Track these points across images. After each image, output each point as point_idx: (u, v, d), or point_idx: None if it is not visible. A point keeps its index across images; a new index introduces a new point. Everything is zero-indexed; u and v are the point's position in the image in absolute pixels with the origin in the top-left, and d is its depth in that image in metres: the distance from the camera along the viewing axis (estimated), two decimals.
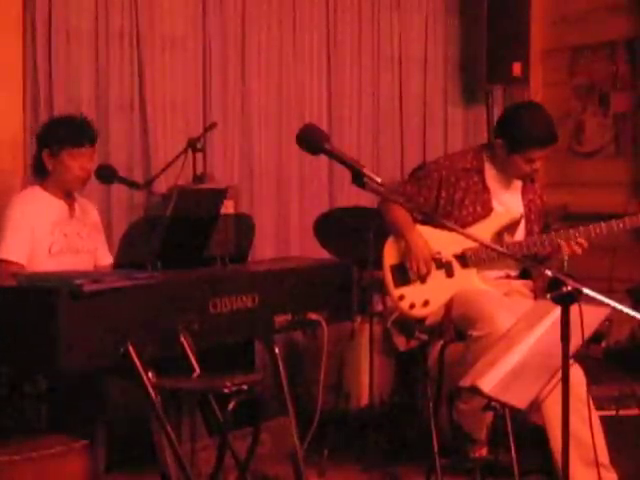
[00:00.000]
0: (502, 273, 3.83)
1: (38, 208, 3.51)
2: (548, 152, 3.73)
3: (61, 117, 3.70)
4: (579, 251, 3.66)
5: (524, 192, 3.88)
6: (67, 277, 2.62)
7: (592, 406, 3.23)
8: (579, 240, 3.67)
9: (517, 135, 3.69)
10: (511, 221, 3.81)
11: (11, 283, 2.71)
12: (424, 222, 3.74)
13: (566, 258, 3.67)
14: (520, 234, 3.83)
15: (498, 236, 3.77)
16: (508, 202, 3.85)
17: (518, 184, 3.88)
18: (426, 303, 3.75)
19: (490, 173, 3.83)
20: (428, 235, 3.75)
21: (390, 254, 3.83)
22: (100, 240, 3.78)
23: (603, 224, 3.68)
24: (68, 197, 3.62)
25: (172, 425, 2.75)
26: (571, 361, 2.25)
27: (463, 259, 3.76)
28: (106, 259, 3.74)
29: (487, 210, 3.80)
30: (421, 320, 3.78)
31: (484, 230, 3.72)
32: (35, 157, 3.61)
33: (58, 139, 3.52)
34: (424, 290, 3.76)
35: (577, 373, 3.22)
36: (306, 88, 5.00)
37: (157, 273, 2.83)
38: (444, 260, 3.76)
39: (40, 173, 3.60)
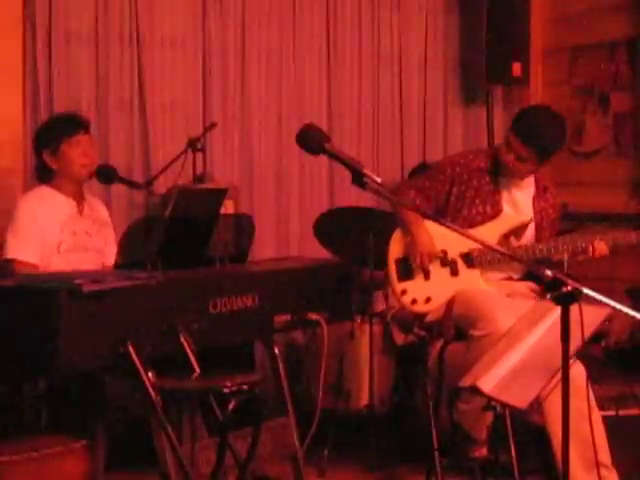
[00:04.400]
0: (505, 275, 3.83)
1: (46, 207, 3.51)
2: (530, 154, 3.64)
3: (49, 117, 3.79)
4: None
5: (536, 199, 3.85)
6: (67, 277, 2.62)
7: (594, 405, 3.24)
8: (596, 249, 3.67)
9: (514, 122, 3.70)
10: (520, 224, 3.79)
11: (11, 283, 2.71)
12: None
13: (566, 258, 3.67)
14: (528, 238, 3.80)
15: (505, 238, 3.76)
16: (518, 205, 3.83)
17: (531, 189, 3.85)
18: (428, 300, 3.74)
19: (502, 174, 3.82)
20: (436, 232, 3.74)
21: (395, 248, 3.83)
22: (110, 238, 3.75)
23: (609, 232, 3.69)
24: (77, 195, 3.62)
25: (172, 425, 2.75)
26: (571, 359, 2.25)
27: (469, 259, 3.75)
28: (113, 259, 3.72)
29: (496, 211, 3.79)
30: (421, 316, 3.78)
31: (492, 231, 3.71)
32: (37, 163, 3.61)
33: (53, 135, 3.53)
34: (427, 287, 3.76)
35: (578, 368, 3.20)
36: (306, 88, 5.00)
37: (157, 273, 2.83)
38: (450, 258, 3.76)
39: (45, 176, 3.59)
